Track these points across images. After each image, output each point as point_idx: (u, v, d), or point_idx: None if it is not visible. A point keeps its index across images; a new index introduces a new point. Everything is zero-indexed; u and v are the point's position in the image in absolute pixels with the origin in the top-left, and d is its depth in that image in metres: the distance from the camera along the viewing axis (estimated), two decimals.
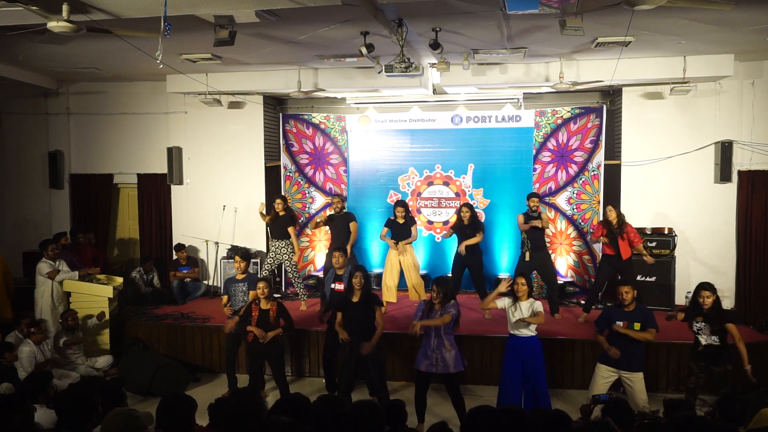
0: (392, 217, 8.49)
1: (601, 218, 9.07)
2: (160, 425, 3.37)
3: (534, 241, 8.16)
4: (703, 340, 5.76)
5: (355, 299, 6.29)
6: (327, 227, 9.23)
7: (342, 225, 8.67)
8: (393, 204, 8.70)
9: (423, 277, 8.73)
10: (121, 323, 8.46)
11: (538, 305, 5.95)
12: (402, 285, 8.53)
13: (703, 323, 5.77)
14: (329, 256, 8.46)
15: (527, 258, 8.18)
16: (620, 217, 7.86)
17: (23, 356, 6.63)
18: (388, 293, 8.41)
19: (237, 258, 7.24)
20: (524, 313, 5.90)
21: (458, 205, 8.80)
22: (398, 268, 8.36)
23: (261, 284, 6.54)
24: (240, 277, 7.19)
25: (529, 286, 6.02)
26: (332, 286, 6.95)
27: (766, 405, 4.36)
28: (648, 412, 4.82)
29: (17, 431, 3.75)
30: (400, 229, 8.36)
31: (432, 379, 6.12)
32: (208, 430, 3.76)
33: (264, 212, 9.04)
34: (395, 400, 4.26)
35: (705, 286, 5.83)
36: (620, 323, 5.77)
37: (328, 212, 9.34)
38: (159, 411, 3.36)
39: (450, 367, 5.90)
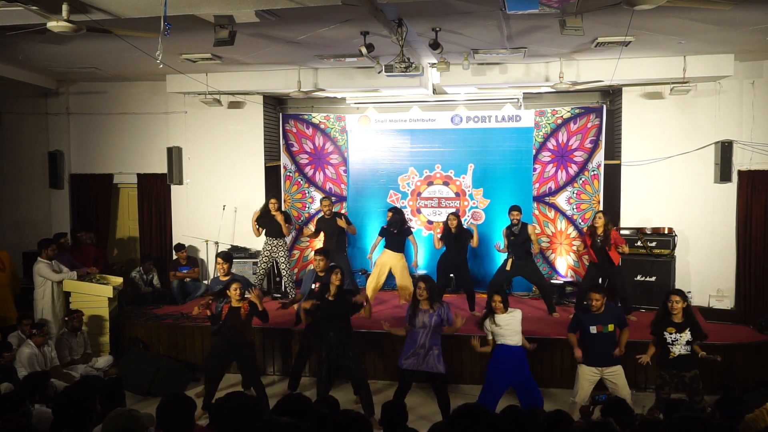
0: (385, 226, 8.53)
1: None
2: (160, 425, 3.37)
3: (516, 251, 8.10)
4: (677, 350, 5.71)
5: (330, 297, 6.32)
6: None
7: (332, 228, 8.64)
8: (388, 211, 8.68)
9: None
10: (121, 323, 8.46)
11: (519, 315, 6.05)
12: (392, 284, 8.69)
13: (677, 334, 5.72)
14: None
15: (508, 267, 8.14)
16: (607, 226, 7.76)
17: (23, 357, 6.63)
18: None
19: (219, 260, 7.19)
20: (506, 324, 5.97)
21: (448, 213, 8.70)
22: (386, 273, 8.44)
23: (235, 285, 6.53)
24: (223, 278, 7.10)
25: (503, 300, 6.04)
26: (312, 286, 6.92)
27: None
28: (648, 414, 4.82)
29: (18, 424, 3.75)
30: (394, 239, 8.42)
31: (416, 378, 6.15)
32: (208, 430, 3.76)
33: (255, 221, 8.88)
34: (396, 399, 4.25)
35: (675, 292, 5.85)
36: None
37: (318, 217, 9.19)
38: (159, 411, 3.36)
39: (437, 366, 5.96)
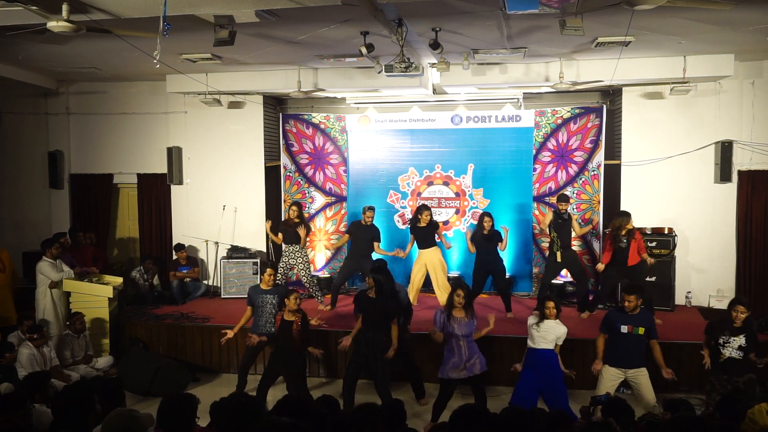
0: (415, 222, 8.52)
1: (601, 220, 9.13)
2: (160, 425, 3.37)
3: (563, 240, 8.25)
4: (727, 353, 5.68)
5: (371, 295, 6.29)
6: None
7: (367, 237, 8.63)
8: (417, 209, 8.62)
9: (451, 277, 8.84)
10: (121, 323, 8.46)
11: (562, 331, 6.01)
12: (429, 285, 8.68)
13: (731, 337, 5.67)
14: (352, 261, 8.68)
15: (559, 258, 8.22)
16: (633, 228, 7.89)
17: (22, 357, 6.63)
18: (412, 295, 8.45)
19: (269, 270, 6.85)
20: (545, 330, 5.97)
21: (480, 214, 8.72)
22: (424, 271, 8.44)
23: (294, 295, 6.34)
24: (267, 287, 6.85)
25: (557, 308, 6.05)
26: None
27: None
28: (657, 413, 4.81)
29: (17, 426, 3.75)
30: (424, 234, 8.43)
31: (457, 385, 6.15)
32: (208, 430, 3.76)
33: (272, 230, 8.92)
34: (394, 399, 4.24)
35: (742, 301, 5.73)
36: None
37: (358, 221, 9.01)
38: (159, 411, 3.36)
39: (479, 369, 5.99)
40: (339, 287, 8.81)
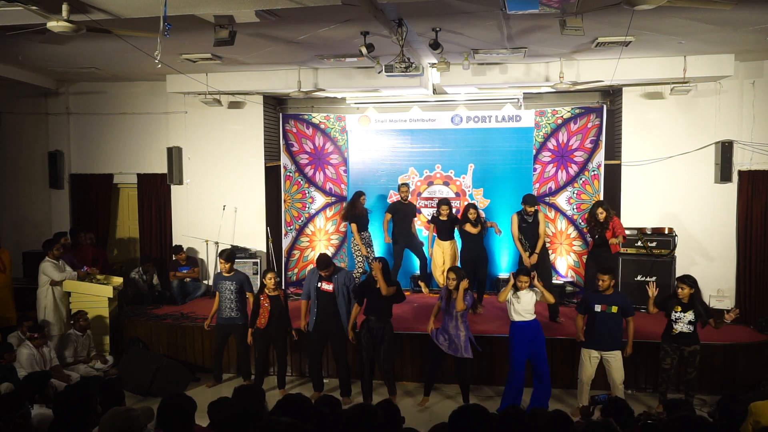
0: (436, 215, 8.75)
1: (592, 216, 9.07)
2: (160, 425, 3.37)
3: (530, 240, 8.10)
4: (679, 327, 6.26)
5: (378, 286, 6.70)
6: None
7: (410, 214, 9.21)
8: (437, 203, 8.88)
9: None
10: (121, 323, 8.46)
11: (538, 292, 6.43)
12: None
13: (681, 313, 6.25)
14: (403, 240, 9.12)
15: (526, 261, 8.10)
16: (608, 215, 7.71)
17: (22, 358, 6.64)
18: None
19: (220, 261, 7.55)
20: (525, 300, 6.36)
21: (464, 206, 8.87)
22: (443, 255, 8.68)
23: (270, 275, 6.99)
24: (227, 274, 7.47)
25: (529, 281, 6.48)
26: (317, 285, 6.98)
27: None
28: (654, 413, 4.83)
29: (17, 426, 3.75)
30: (444, 227, 8.63)
31: (443, 356, 6.61)
32: (208, 430, 3.76)
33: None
34: (387, 400, 4.23)
35: (683, 279, 6.31)
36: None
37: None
38: (159, 411, 3.36)
39: (461, 350, 6.43)
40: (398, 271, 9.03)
